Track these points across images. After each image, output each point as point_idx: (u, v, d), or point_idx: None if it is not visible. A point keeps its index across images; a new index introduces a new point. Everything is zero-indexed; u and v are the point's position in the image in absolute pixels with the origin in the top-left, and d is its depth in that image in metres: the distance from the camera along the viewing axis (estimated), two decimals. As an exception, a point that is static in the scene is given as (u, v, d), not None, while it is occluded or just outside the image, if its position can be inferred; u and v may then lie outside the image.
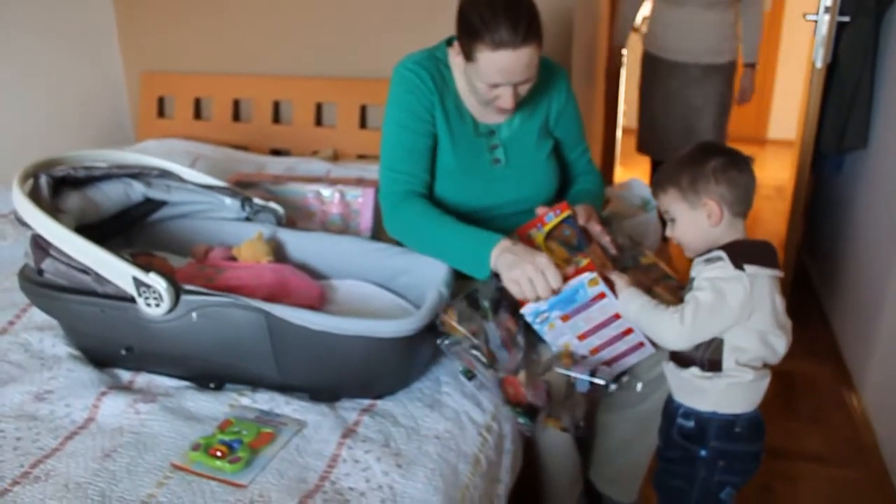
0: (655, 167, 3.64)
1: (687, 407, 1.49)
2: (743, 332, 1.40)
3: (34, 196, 1.58)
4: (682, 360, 1.47)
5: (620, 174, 4.41)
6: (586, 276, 1.48)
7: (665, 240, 1.66)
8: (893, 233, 2.39)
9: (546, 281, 1.46)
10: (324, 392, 1.52)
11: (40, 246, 1.54)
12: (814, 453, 2.37)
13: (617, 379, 1.57)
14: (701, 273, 1.43)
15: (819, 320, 3.16)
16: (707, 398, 1.45)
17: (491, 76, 1.59)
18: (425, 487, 1.30)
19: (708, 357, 1.43)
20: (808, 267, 3.59)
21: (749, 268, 1.38)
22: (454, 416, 1.49)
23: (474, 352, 1.48)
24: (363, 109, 3.00)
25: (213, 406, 1.49)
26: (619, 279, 1.50)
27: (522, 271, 1.47)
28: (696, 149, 1.50)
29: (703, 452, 1.47)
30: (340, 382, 1.52)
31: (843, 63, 2.83)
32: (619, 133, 4.34)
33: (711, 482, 1.49)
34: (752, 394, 1.45)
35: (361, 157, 2.95)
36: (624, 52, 3.67)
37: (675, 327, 1.40)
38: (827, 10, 2.74)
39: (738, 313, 1.38)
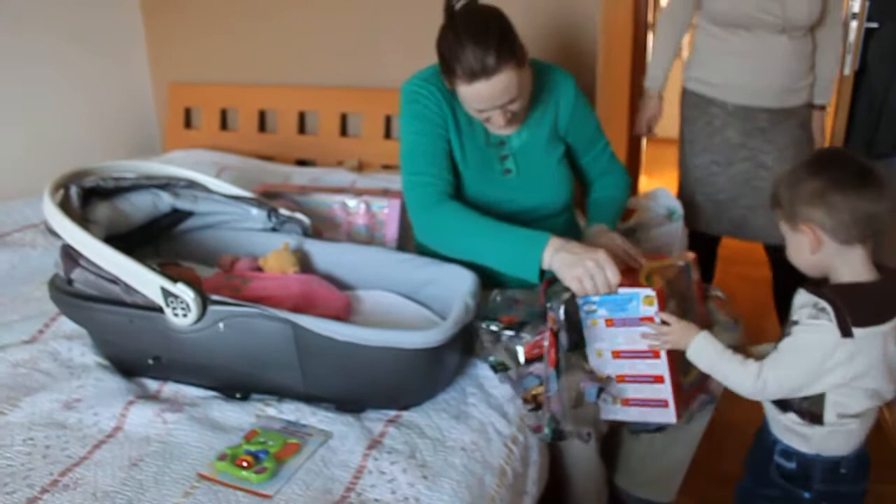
0: (707, 245, 2.67)
1: (786, 445, 1.41)
2: (849, 391, 1.32)
3: (65, 206, 1.60)
4: (780, 402, 1.40)
5: (645, 183, 4.38)
6: (644, 290, 1.44)
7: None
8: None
9: (605, 276, 1.43)
10: (349, 403, 1.52)
11: (70, 256, 1.56)
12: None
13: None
14: (802, 322, 1.31)
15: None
16: (809, 443, 1.38)
17: (474, 104, 1.60)
18: (451, 499, 1.29)
19: (807, 408, 1.35)
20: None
21: (859, 331, 1.25)
22: (480, 427, 1.48)
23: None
24: (388, 120, 3.00)
25: (240, 416, 1.50)
26: (684, 331, 1.42)
27: (584, 269, 1.44)
28: (808, 160, 1.36)
29: (806, 495, 1.40)
30: (366, 393, 1.52)
31: (871, 70, 2.80)
32: (643, 142, 4.31)
33: None
34: (857, 436, 1.38)
35: (386, 167, 2.95)
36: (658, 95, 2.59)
37: (748, 383, 1.34)
38: (854, 16, 2.72)
39: (830, 379, 1.29)
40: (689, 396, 1.55)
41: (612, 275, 1.43)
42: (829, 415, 1.34)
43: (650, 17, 3.45)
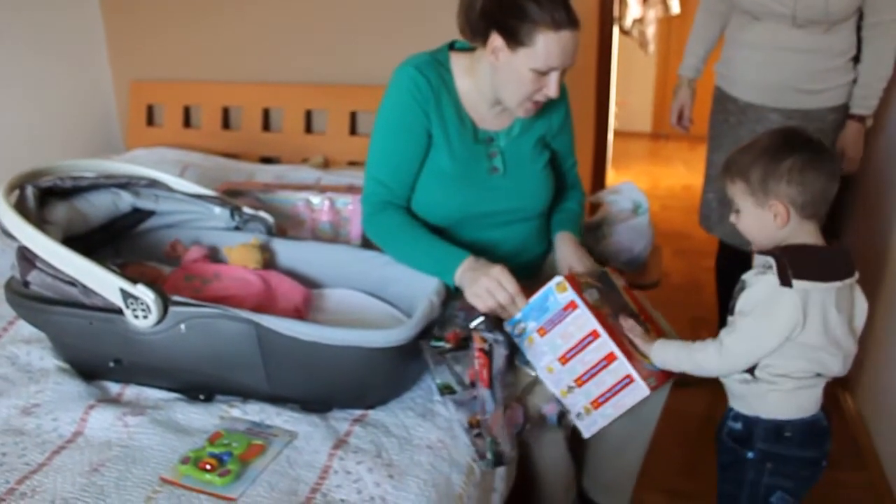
0: (722, 249, 2.61)
1: (736, 410, 1.48)
2: (782, 348, 1.36)
3: (20, 207, 1.56)
4: None
5: (613, 178, 4.41)
6: (554, 280, 1.48)
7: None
8: (885, 228, 2.38)
9: (504, 289, 1.53)
10: (315, 403, 1.51)
11: (26, 258, 1.52)
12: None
13: None
14: (748, 286, 1.38)
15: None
16: (748, 403, 1.44)
17: (550, 59, 1.59)
18: (418, 498, 1.29)
19: None
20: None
21: (799, 283, 1.31)
22: (446, 425, 1.47)
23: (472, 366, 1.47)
24: (353, 116, 2.99)
25: (203, 418, 1.48)
26: (645, 344, 1.49)
27: (480, 284, 1.55)
28: (776, 138, 1.39)
29: (750, 454, 1.46)
30: (331, 393, 1.51)
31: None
32: (610, 136, 4.34)
33: (759, 485, 1.47)
34: (799, 400, 1.42)
35: (352, 164, 2.94)
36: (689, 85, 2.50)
37: (715, 359, 1.38)
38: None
39: (786, 333, 1.33)
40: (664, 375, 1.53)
41: (509, 284, 1.54)
42: (759, 371, 1.39)
43: (616, 12, 3.48)
